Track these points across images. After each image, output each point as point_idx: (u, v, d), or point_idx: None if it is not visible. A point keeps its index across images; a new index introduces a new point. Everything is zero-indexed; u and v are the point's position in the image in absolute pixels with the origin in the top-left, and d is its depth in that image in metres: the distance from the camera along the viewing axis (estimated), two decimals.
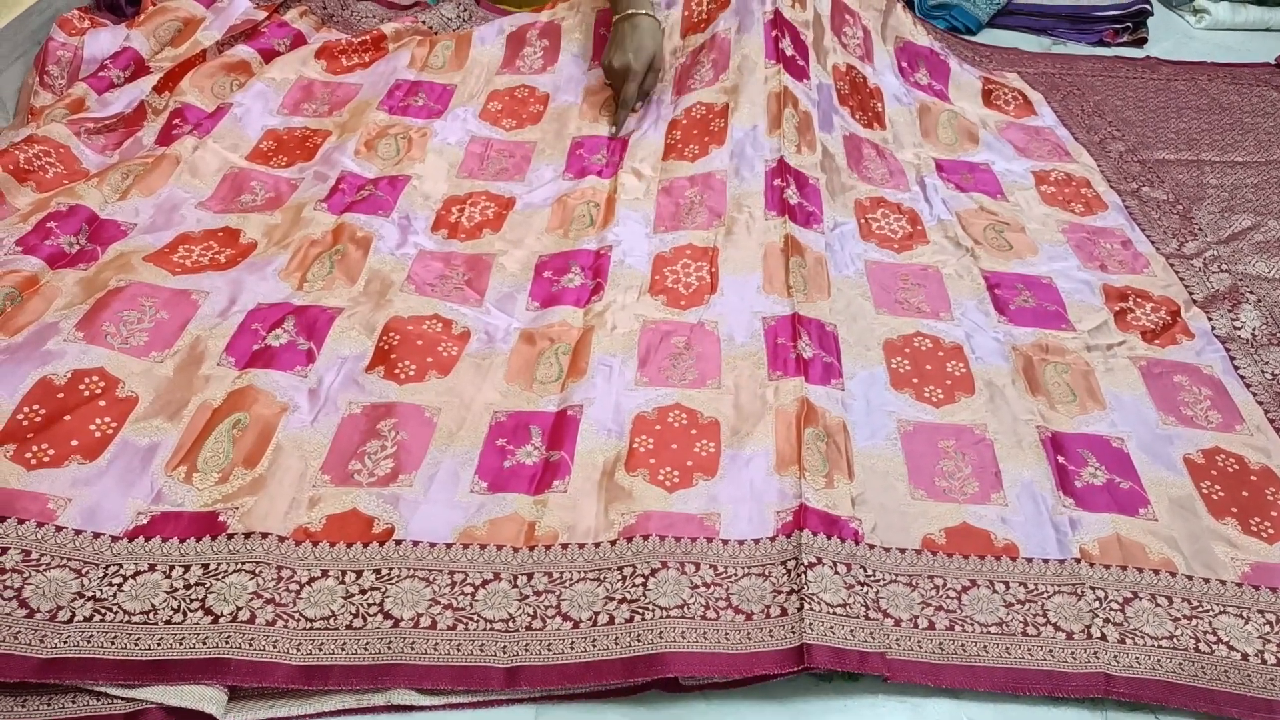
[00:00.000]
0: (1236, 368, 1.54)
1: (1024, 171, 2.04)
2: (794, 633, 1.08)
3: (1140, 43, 2.66)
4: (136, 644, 1.02)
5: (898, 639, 1.12)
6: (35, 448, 1.20)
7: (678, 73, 2.10)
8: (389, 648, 1.06)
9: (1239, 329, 1.61)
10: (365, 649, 1.06)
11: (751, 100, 1.97)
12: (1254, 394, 1.49)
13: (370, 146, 1.89)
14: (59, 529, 1.12)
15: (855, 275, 1.68)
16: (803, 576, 1.13)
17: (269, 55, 2.12)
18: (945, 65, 2.33)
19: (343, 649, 1.06)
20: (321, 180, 1.77)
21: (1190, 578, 1.22)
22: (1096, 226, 1.87)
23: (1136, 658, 1.12)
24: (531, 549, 1.18)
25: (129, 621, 1.04)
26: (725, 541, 1.20)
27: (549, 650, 1.08)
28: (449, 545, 1.18)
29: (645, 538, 1.19)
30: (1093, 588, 1.19)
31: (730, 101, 1.98)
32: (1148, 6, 2.65)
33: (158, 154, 1.76)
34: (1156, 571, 1.22)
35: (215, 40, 2.11)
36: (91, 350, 1.34)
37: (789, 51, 2.05)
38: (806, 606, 1.10)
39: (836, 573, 1.16)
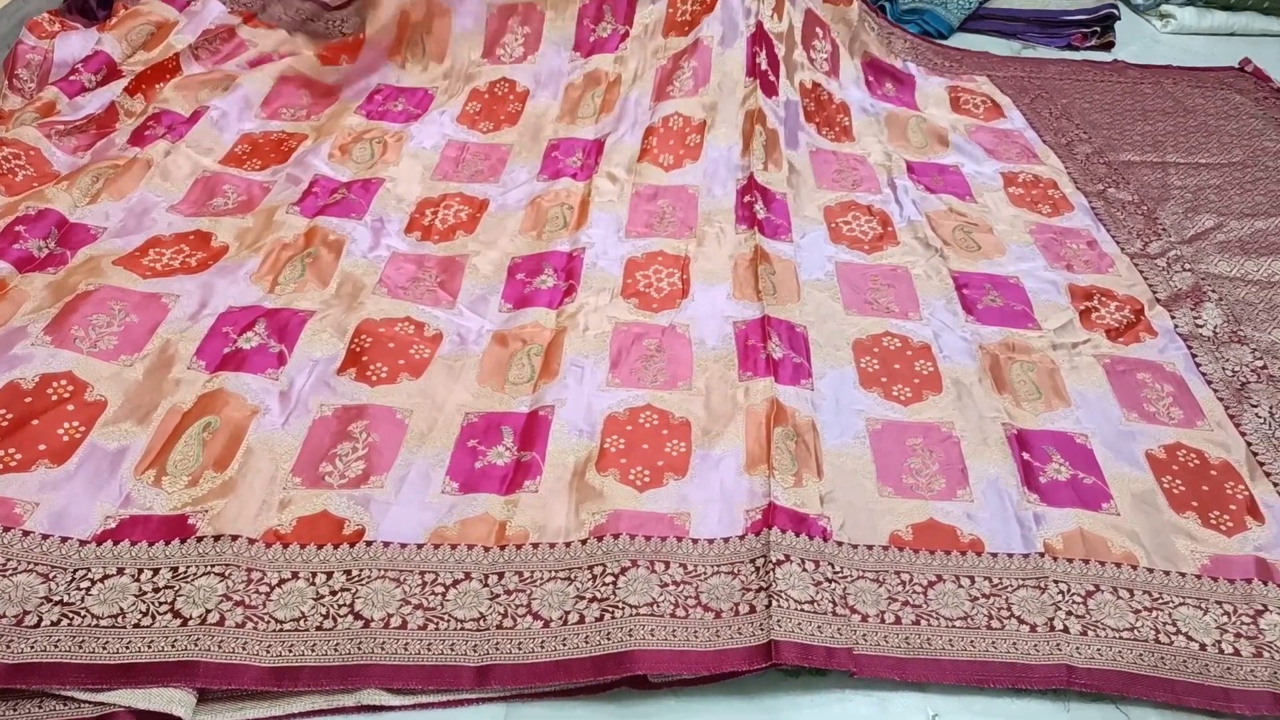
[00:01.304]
0: (1198, 365, 1.57)
1: (993, 173, 2.07)
2: (762, 629, 1.10)
3: (1108, 46, 2.70)
4: (104, 648, 1.02)
5: (864, 634, 1.14)
6: (2, 452, 1.20)
7: (658, 76, 2.11)
8: (359, 648, 1.07)
9: (1201, 327, 1.63)
10: (335, 650, 1.06)
11: (729, 121, 2.00)
12: (1215, 390, 1.52)
13: (345, 151, 1.89)
14: (26, 533, 1.12)
15: (825, 278, 1.70)
16: (771, 574, 1.15)
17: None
18: (911, 79, 2.37)
19: (312, 650, 1.06)
20: (294, 183, 1.77)
21: (1151, 570, 1.24)
22: (1063, 227, 1.90)
23: (1098, 649, 1.14)
24: (502, 548, 1.19)
25: (97, 626, 1.04)
26: (695, 540, 1.22)
27: (519, 649, 1.09)
28: (420, 546, 1.19)
29: (615, 537, 1.20)
30: (1056, 581, 1.21)
31: (708, 119, 2.01)
32: (1115, 11, 2.69)
33: (129, 157, 1.76)
34: (1118, 565, 1.24)
35: (189, 44, 2.11)
36: (60, 354, 1.33)
37: (764, 66, 2.08)
38: (775, 603, 1.11)
39: (805, 570, 1.17)
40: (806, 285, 1.67)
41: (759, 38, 2.10)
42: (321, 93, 2.08)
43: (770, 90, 2.06)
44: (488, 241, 1.72)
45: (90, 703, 0.99)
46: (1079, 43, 2.69)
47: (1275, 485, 1.37)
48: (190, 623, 1.05)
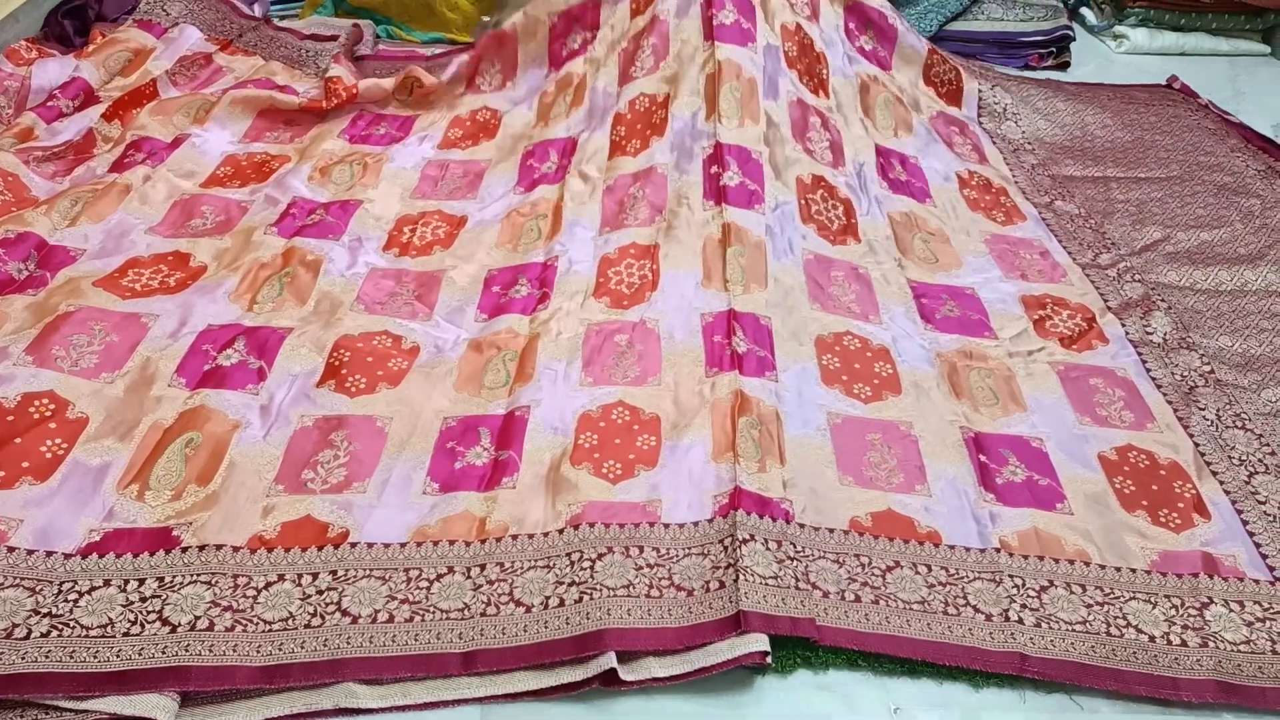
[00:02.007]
0: (1148, 370, 1.63)
1: (948, 172, 2.12)
2: (731, 602, 1.14)
3: (1063, 67, 2.78)
4: (95, 656, 1.05)
5: (825, 609, 1.18)
6: None
7: (621, 60, 2.14)
8: (348, 643, 1.10)
9: (1151, 334, 1.70)
10: (325, 645, 1.10)
11: (691, 88, 2.02)
12: (1164, 394, 1.58)
13: (325, 173, 1.92)
14: (10, 549, 1.15)
15: (793, 264, 1.74)
16: (737, 551, 1.20)
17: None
18: (893, 30, 2.36)
19: (302, 647, 1.10)
20: (272, 204, 1.81)
21: (1103, 567, 1.29)
22: (1017, 237, 1.96)
23: (1051, 640, 1.19)
24: (483, 542, 1.24)
25: (87, 636, 1.07)
26: (666, 525, 1.27)
27: (503, 634, 1.13)
28: (403, 544, 1.23)
29: (591, 525, 1.25)
30: (1011, 576, 1.26)
31: (671, 91, 2.03)
32: (1070, 33, 2.78)
33: (108, 181, 1.79)
34: (1072, 561, 1.29)
35: (166, 69, 2.14)
36: (41, 374, 1.36)
37: (728, 20, 2.07)
38: (741, 578, 1.16)
39: (768, 548, 1.22)
40: (775, 270, 1.70)
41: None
42: (306, 120, 2.11)
43: (745, 38, 2.07)
44: (465, 255, 1.76)
45: (73, 710, 1.02)
46: (1036, 63, 2.77)
47: (1222, 484, 1.43)
48: (180, 629, 1.08)
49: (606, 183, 1.91)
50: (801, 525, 1.28)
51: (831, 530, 1.29)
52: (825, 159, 2.00)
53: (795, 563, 1.22)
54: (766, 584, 1.17)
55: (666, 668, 1.12)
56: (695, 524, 1.27)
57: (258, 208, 1.80)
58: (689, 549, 1.24)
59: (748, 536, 1.22)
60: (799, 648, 1.17)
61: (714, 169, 1.85)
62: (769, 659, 1.13)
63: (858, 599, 1.20)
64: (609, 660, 1.09)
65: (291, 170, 1.90)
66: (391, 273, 1.70)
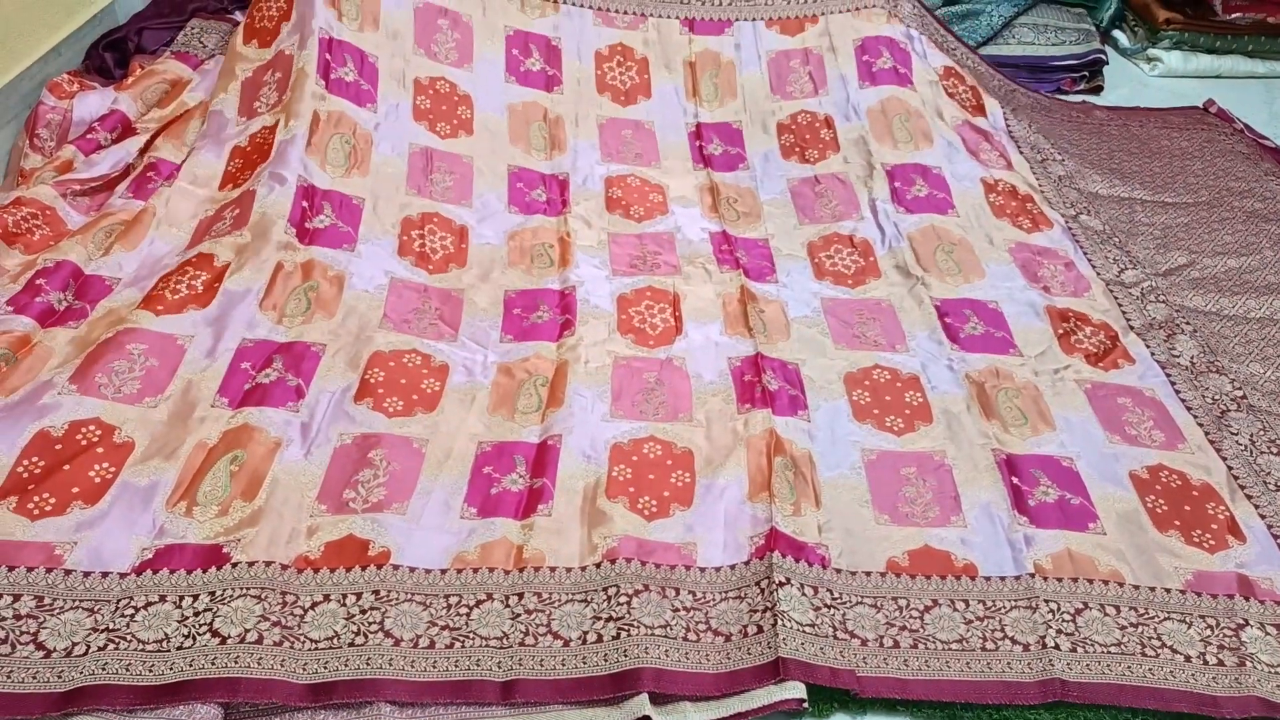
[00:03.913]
0: (1177, 391, 1.63)
1: (974, 178, 2.11)
2: (770, 648, 1.15)
3: (1097, 90, 2.76)
4: (150, 670, 1.08)
5: (865, 657, 1.19)
6: (37, 498, 1.25)
7: (601, 129, 2.14)
8: (390, 664, 1.12)
9: (1177, 356, 1.70)
10: (368, 664, 1.12)
11: (684, 191, 2.04)
12: (1194, 416, 1.59)
13: (319, 148, 1.86)
14: (68, 572, 1.17)
15: (812, 314, 1.75)
16: (774, 594, 1.21)
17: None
18: (907, 54, 2.36)
19: (346, 665, 1.12)
20: (279, 182, 1.76)
21: (1137, 587, 1.30)
22: (1041, 246, 1.95)
23: (1088, 665, 1.20)
24: (521, 571, 1.25)
25: (143, 650, 1.10)
26: (703, 569, 1.28)
27: (542, 666, 1.14)
28: (443, 571, 1.25)
29: (628, 560, 1.26)
30: (1046, 601, 1.27)
31: (667, 184, 2.05)
32: (1103, 56, 2.77)
33: (136, 209, 1.79)
34: (1106, 583, 1.30)
35: (200, 100, 2.18)
36: (86, 401, 1.38)
37: (717, 153, 2.13)
38: (779, 623, 1.17)
39: (804, 594, 1.23)
40: (795, 323, 1.72)
41: (700, 133, 2.19)
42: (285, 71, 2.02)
43: (735, 163, 2.13)
44: (481, 274, 1.76)
45: None
46: (1069, 87, 2.75)
47: (1257, 508, 1.43)
48: (229, 641, 1.11)
49: (612, 235, 1.91)
50: (838, 570, 1.30)
51: (869, 574, 1.30)
52: (836, 219, 2.00)
53: (833, 610, 1.23)
54: (804, 631, 1.18)
55: (702, 712, 1.13)
56: (732, 567, 1.28)
57: (264, 188, 1.76)
58: (725, 593, 1.25)
59: (784, 580, 1.23)
60: (835, 693, 1.18)
61: (725, 246, 1.88)
62: (805, 704, 1.14)
63: (896, 644, 1.22)
64: (643, 705, 1.11)
65: (288, 139, 1.84)
66: (414, 285, 1.70)
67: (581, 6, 2.29)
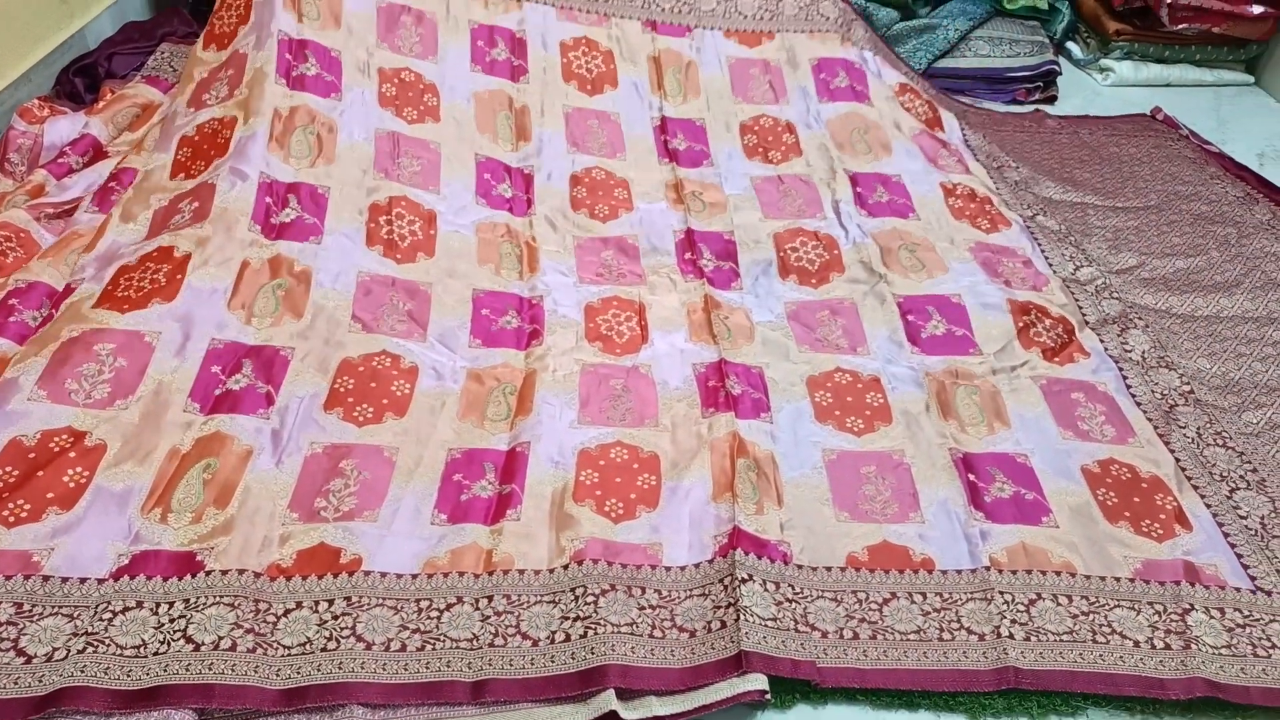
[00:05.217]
0: (1129, 385, 1.69)
1: (933, 183, 2.17)
2: (733, 642, 1.19)
3: (1051, 101, 2.84)
4: (128, 675, 1.10)
5: (825, 649, 1.23)
6: (12, 504, 1.26)
7: (568, 118, 2.16)
8: (362, 667, 1.15)
9: (1129, 351, 1.76)
10: (339, 668, 1.14)
11: (649, 186, 2.07)
12: (1144, 411, 1.64)
13: (282, 143, 1.86)
14: (46, 579, 1.19)
15: (777, 319, 1.79)
16: (737, 590, 1.24)
17: None
18: (863, 73, 2.43)
19: (318, 669, 1.14)
20: (240, 178, 1.75)
21: (1088, 577, 1.34)
22: (1000, 245, 2.01)
23: (1040, 653, 1.24)
24: (490, 574, 1.28)
25: (121, 655, 1.12)
26: (668, 569, 1.31)
27: (511, 665, 1.17)
28: (414, 576, 1.27)
29: (595, 561, 1.29)
30: (1001, 592, 1.31)
31: (631, 178, 2.07)
32: (1056, 67, 2.85)
33: (100, 220, 1.78)
34: (1058, 573, 1.34)
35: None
36: (57, 410, 1.38)
37: (682, 148, 2.17)
38: (742, 618, 1.21)
39: (766, 590, 1.27)
40: (760, 328, 1.76)
41: (665, 127, 2.22)
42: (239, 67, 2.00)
43: (701, 158, 2.17)
44: (448, 269, 1.77)
45: None
46: (1023, 97, 2.83)
47: (1203, 498, 1.48)
48: (204, 648, 1.13)
49: (577, 238, 1.93)
50: (800, 566, 1.33)
51: (829, 568, 1.34)
52: (801, 214, 2.05)
53: (794, 605, 1.27)
54: (766, 625, 1.22)
55: (668, 706, 1.16)
56: (696, 565, 1.32)
57: (224, 182, 1.75)
58: (690, 591, 1.28)
59: (746, 576, 1.27)
60: (798, 684, 1.22)
61: (688, 255, 1.91)
62: (768, 696, 1.17)
63: (856, 636, 1.25)
64: (610, 700, 1.14)
65: (248, 135, 1.82)
66: (381, 279, 1.71)
67: (544, 4, 2.31)
